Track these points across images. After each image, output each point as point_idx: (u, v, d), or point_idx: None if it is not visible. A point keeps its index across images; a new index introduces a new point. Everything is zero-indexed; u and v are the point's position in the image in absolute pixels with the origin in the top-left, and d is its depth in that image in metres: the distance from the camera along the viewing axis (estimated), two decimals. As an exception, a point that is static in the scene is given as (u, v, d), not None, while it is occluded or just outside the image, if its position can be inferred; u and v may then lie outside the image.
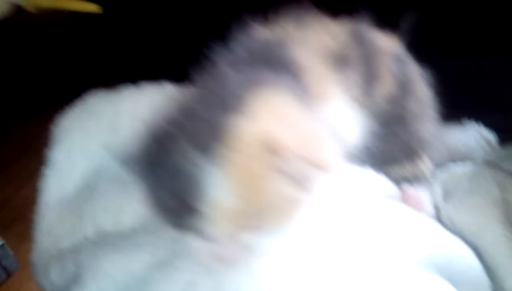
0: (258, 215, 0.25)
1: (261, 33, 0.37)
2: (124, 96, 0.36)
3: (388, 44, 0.41)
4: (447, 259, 0.36)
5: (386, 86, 0.39)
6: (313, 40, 0.37)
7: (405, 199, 0.41)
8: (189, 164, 0.23)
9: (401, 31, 0.45)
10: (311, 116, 0.29)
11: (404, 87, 0.40)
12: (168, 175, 0.25)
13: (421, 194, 0.41)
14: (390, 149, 0.40)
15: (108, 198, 0.31)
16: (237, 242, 0.26)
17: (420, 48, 0.45)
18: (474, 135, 0.52)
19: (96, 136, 0.33)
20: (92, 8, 0.82)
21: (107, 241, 0.31)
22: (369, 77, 0.38)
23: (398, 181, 0.43)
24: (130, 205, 0.31)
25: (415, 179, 0.42)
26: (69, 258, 0.32)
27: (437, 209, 0.43)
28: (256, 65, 0.31)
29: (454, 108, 0.49)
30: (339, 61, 0.37)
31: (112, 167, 0.32)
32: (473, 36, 0.55)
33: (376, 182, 0.40)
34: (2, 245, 1.07)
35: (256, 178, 0.24)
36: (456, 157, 0.50)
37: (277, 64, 0.32)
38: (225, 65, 0.31)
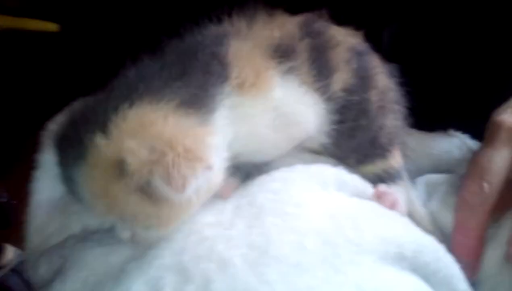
0: (127, 221, 0.30)
1: (205, 29, 0.39)
2: None
3: (344, 37, 0.42)
4: (416, 253, 0.36)
5: (343, 77, 0.40)
6: (257, 32, 0.38)
7: (379, 197, 0.42)
8: (69, 172, 0.30)
9: (384, 42, 0.50)
10: (198, 121, 0.32)
11: (364, 79, 0.41)
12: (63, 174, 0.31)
13: (395, 192, 0.42)
14: (358, 143, 0.42)
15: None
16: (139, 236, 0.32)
17: (403, 58, 0.47)
18: (458, 145, 0.54)
19: None
20: (51, 27, 0.85)
21: (91, 237, 0.35)
22: (323, 68, 0.39)
23: (372, 180, 0.44)
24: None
25: (389, 177, 0.44)
26: (56, 252, 0.36)
27: (413, 208, 0.45)
28: (169, 67, 0.33)
29: (438, 117, 0.53)
30: (282, 51, 0.38)
31: None
32: (457, 44, 0.56)
33: (345, 179, 0.40)
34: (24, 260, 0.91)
35: (111, 193, 0.28)
36: (439, 166, 0.52)
37: (200, 60, 0.34)
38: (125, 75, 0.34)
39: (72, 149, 0.29)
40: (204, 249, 0.33)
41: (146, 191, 0.28)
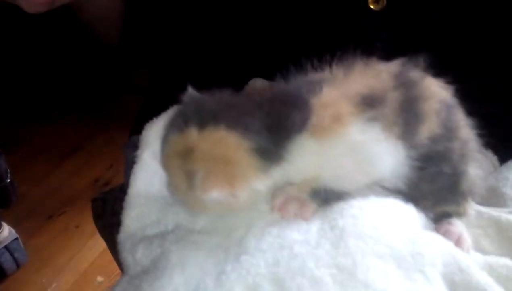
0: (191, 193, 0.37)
1: (307, 75, 0.41)
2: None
3: (437, 88, 0.41)
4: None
5: (431, 126, 0.39)
6: (350, 80, 0.39)
7: (446, 234, 0.41)
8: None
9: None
10: (260, 166, 0.36)
11: (450, 130, 0.40)
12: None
13: (461, 229, 0.41)
14: (438, 188, 0.41)
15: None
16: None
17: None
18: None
19: None
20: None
21: (189, 237, 0.38)
22: (412, 117, 0.38)
23: (439, 217, 0.43)
24: (202, 217, 0.39)
25: (457, 216, 0.43)
26: (156, 242, 0.38)
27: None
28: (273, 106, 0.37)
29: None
30: (370, 99, 0.38)
31: None
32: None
33: (414, 212, 0.41)
34: (16, 239, 1.20)
35: (175, 170, 0.36)
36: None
37: (287, 105, 0.37)
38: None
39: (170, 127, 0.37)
40: (296, 265, 0.34)
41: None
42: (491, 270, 0.37)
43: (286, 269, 0.34)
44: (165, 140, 0.37)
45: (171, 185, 0.37)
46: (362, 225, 0.36)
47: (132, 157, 0.60)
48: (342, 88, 0.39)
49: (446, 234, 0.40)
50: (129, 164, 0.62)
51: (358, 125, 0.36)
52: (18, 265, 1.18)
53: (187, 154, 0.34)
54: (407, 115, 0.38)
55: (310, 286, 0.33)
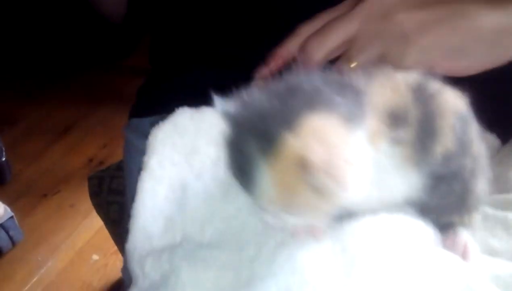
0: (292, 209, 0.33)
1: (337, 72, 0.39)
2: (205, 117, 0.44)
3: (454, 101, 0.39)
4: None
5: (445, 143, 0.37)
6: (376, 93, 0.36)
7: (452, 246, 0.40)
8: (249, 155, 0.31)
9: None
10: (349, 141, 0.32)
11: (463, 146, 0.38)
12: (236, 157, 0.33)
13: (468, 241, 0.40)
14: (447, 204, 0.40)
15: (195, 213, 0.38)
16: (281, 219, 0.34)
17: None
18: None
19: (181, 152, 0.42)
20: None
21: (198, 253, 0.37)
22: (428, 134, 0.37)
23: (444, 226, 0.41)
24: (213, 223, 0.38)
25: (462, 226, 0.42)
26: (164, 257, 0.37)
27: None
28: (324, 87, 0.34)
29: None
30: (395, 118, 0.36)
31: (194, 182, 0.39)
32: None
33: (420, 230, 0.40)
34: (12, 217, 1.21)
35: (291, 184, 0.31)
36: None
37: (352, 88, 0.35)
38: (296, 77, 0.35)
39: (257, 141, 0.31)
40: None
41: (317, 186, 0.31)
42: (498, 280, 0.36)
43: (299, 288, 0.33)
44: (265, 151, 0.32)
45: (290, 202, 0.33)
46: (374, 248, 0.35)
47: (132, 141, 0.60)
48: (370, 100, 0.37)
49: (453, 246, 0.39)
50: (127, 147, 0.63)
51: (383, 146, 0.35)
52: (13, 243, 1.18)
53: (305, 163, 0.30)
54: (423, 134, 0.36)
55: None
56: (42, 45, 1.73)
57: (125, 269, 0.55)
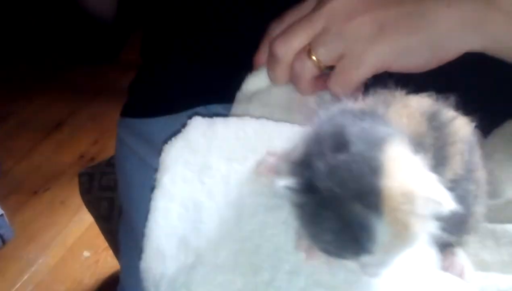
0: (405, 246, 0.36)
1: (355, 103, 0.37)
2: (218, 133, 0.44)
3: (464, 128, 0.40)
4: None
5: (455, 169, 0.39)
6: (393, 121, 0.36)
7: (449, 267, 0.40)
8: (357, 217, 0.29)
9: None
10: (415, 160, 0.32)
11: (469, 172, 0.40)
12: (331, 224, 0.30)
13: (465, 263, 0.41)
14: (449, 226, 0.39)
15: (209, 233, 0.38)
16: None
17: None
18: None
19: (193, 169, 0.42)
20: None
21: (211, 274, 0.36)
22: (440, 160, 0.38)
23: (442, 246, 0.41)
24: (227, 245, 0.37)
25: (457, 245, 0.42)
26: (180, 280, 0.37)
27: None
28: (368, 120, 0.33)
29: None
30: (415, 146, 0.37)
31: (207, 201, 0.39)
32: None
33: (425, 256, 0.39)
34: (2, 215, 1.20)
35: (406, 224, 0.29)
36: None
37: (369, 115, 0.34)
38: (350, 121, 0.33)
39: (361, 201, 0.29)
40: None
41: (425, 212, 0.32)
42: None
43: None
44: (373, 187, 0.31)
45: (405, 241, 0.32)
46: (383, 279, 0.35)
47: (125, 140, 0.60)
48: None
49: (451, 267, 0.40)
50: (121, 146, 0.62)
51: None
52: (3, 241, 1.18)
53: (411, 196, 0.30)
54: (436, 161, 0.37)
55: None
56: (31, 42, 1.72)
57: (123, 274, 0.55)
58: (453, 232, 0.39)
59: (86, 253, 1.21)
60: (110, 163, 0.76)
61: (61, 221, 1.28)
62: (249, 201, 0.39)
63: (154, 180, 0.44)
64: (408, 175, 0.30)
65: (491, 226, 0.44)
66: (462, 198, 0.37)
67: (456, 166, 0.38)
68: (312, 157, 0.31)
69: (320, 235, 0.32)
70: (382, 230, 0.30)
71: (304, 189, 0.31)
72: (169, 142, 0.44)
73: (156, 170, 0.43)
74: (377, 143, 0.31)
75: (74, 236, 1.25)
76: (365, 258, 0.31)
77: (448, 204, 0.30)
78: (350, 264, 0.33)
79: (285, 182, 0.31)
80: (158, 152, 0.46)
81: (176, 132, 0.47)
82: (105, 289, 1.18)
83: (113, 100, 0.66)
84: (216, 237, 0.38)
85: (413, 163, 0.32)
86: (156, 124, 0.55)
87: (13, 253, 1.21)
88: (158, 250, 0.40)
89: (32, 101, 1.72)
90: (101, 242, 1.08)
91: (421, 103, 0.39)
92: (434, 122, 0.38)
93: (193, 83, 0.53)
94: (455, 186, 0.37)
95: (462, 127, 0.40)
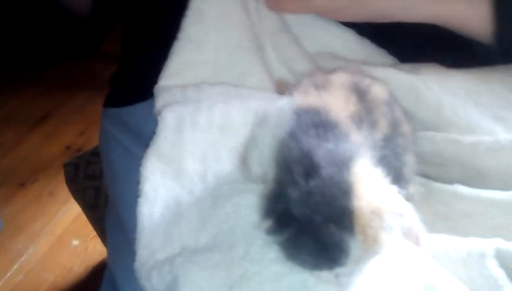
0: (374, 254, 0.33)
1: (299, 100, 0.40)
2: (185, 139, 0.46)
3: (380, 91, 0.43)
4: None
5: (383, 129, 0.42)
6: (336, 105, 0.39)
7: (407, 234, 0.41)
8: (332, 238, 0.31)
9: None
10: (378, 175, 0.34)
11: (394, 127, 0.43)
12: (308, 247, 0.32)
13: (418, 228, 0.42)
14: (388, 179, 0.45)
15: (189, 223, 0.41)
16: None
17: None
18: None
19: (170, 178, 0.45)
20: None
21: (194, 258, 0.39)
22: (371, 125, 0.41)
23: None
24: (206, 229, 0.40)
25: (408, 200, 0.42)
26: (166, 268, 0.39)
27: None
28: (323, 135, 0.35)
29: None
30: (357, 121, 0.40)
31: (187, 197, 0.43)
32: None
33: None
34: None
35: (376, 237, 0.32)
36: None
37: (329, 130, 0.36)
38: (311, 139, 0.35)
39: (336, 223, 0.31)
40: None
41: (391, 225, 0.32)
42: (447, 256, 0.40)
43: (288, 289, 0.35)
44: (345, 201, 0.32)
45: (373, 252, 0.34)
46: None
47: (109, 130, 0.62)
48: (338, 111, 0.39)
49: (407, 234, 0.41)
50: (105, 136, 0.64)
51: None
52: (-2, 226, 1.19)
53: (378, 212, 0.32)
54: (369, 124, 0.40)
55: None
56: (15, 37, 1.74)
57: (110, 257, 0.58)
58: (394, 184, 0.41)
59: (75, 242, 1.23)
60: (95, 153, 0.78)
61: (49, 211, 1.30)
62: (225, 188, 0.42)
63: (139, 168, 0.47)
64: (374, 192, 0.32)
65: (437, 184, 0.47)
66: (393, 152, 0.42)
67: (383, 126, 0.42)
68: (284, 186, 0.33)
69: (298, 255, 0.34)
70: (354, 246, 0.32)
71: (281, 222, 0.33)
72: (144, 157, 0.47)
73: (139, 157, 0.45)
74: (344, 164, 0.33)
75: (62, 225, 1.27)
76: (339, 270, 0.33)
77: (410, 215, 0.33)
78: (323, 275, 0.35)
79: (265, 226, 0.33)
80: (141, 140, 0.49)
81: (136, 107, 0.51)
82: (95, 275, 1.19)
83: (98, 92, 0.67)
84: (196, 225, 0.41)
85: (376, 178, 0.34)
86: (138, 112, 0.57)
87: (2, 244, 1.23)
88: (148, 248, 0.43)
89: (18, 94, 1.71)
90: (90, 230, 1.10)
91: (341, 79, 0.42)
92: (358, 93, 0.41)
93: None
94: (386, 144, 0.41)
95: (380, 90, 0.43)
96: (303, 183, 0.32)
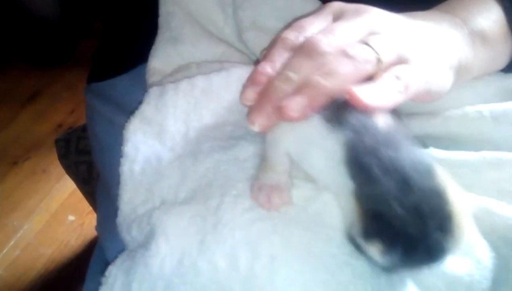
0: None
1: None
2: (167, 101, 0.47)
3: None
4: None
5: None
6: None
7: None
8: (441, 245, 0.31)
9: None
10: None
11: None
12: (420, 256, 0.31)
13: None
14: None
15: (170, 179, 0.42)
16: None
17: None
18: None
19: (152, 137, 0.46)
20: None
21: (171, 210, 0.40)
22: None
23: None
24: (185, 185, 0.42)
25: None
26: (145, 220, 0.41)
27: None
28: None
29: None
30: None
31: (168, 154, 0.44)
32: None
33: None
34: None
35: (463, 235, 0.31)
36: None
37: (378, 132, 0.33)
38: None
39: (438, 227, 0.30)
40: (268, 229, 0.37)
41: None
42: None
43: (257, 236, 0.36)
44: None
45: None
46: None
47: (93, 104, 0.63)
48: None
49: None
50: (90, 111, 0.65)
51: None
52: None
53: (467, 213, 0.33)
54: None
55: (280, 243, 0.36)
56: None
57: (99, 225, 0.59)
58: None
59: (71, 217, 1.25)
60: (85, 128, 0.79)
61: (43, 188, 1.31)
62: (206, 145, 0.43)
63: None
64: (456, 195, 0.32)
65: None
66: None
67: None
68: (379, 203, 0.31)
69: (393, 245, 0.31)
70: (454, 242, 0.32)
71: (388, 242, 0.31)
72: (128, 121, 0.48)
73: (123, 126, 0.46)
74: (427, 171, 0.32)
75: (57, 201, 1.28)
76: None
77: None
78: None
79: (374, 251, 0.31)
80: (124, 110, 0.50)
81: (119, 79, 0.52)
82: (92, 249, 1.20)
83: (87, 69, 0.68)
84: (176, 181, 0.43)
85: (450, 180, 0.33)
86: (120, 84, 0.58)
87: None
88: (130, 203, 0.44)
89: (8, 72, 1.68)
90: (85, 206, 1.11)
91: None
92: None
93: (149, 37, 0.55)
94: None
95: None
96: (403, 197, 0.30)
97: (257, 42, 0.51)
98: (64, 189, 1.29)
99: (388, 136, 0.33)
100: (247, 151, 0.42)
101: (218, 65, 0.51)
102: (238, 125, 0.45)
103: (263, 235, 0.36)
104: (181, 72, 0.51)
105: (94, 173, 0.75)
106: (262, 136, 0.40)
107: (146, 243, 0.40)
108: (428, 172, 0.31)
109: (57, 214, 1.26)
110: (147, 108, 0.48)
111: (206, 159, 0.42)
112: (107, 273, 0.40)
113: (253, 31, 0.51)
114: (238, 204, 0.39)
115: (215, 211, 0.39)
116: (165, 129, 0.46)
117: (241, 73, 0.47)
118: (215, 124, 0.45)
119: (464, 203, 0.32)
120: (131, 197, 0.45)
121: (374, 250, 0.31)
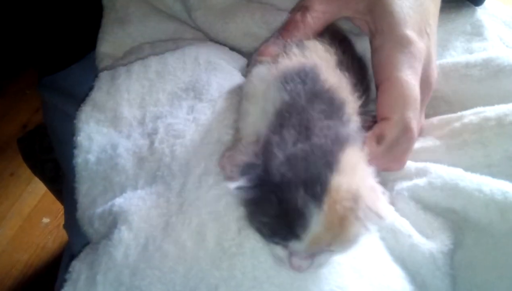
0: (336, 243, 0.32)
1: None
2: (121, 86, 0.46)
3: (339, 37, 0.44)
4: None
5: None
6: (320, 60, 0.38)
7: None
8: (300, 203, 0.30)
9: None
10: (368, 170, 0.34)
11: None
12: (271, 207, 0.31)
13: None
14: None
15: (127, 169, 0.41)
16: (312, 259, 0.33)
17: None
18: None
19: (105, 123, 0.44)
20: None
21: (133, 196, 0.40)
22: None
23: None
24: (142, 176, 0.41)
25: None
26: (106, 211, 0.40)
27: None
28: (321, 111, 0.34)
29: None
30: (343, 72, 0.40)
31: (124, 141, 0.43)
32: None
33: None
34: None
35: (342, 220, 0.31)
36: None
37: (331, 105, 0.35)
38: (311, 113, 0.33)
39: (307, 188, 0.30)
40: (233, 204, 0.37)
41: (362, 217, 0.32)
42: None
43: (225, 210, 0.36)
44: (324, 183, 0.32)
45: (336, 237, 0.33)
46: None
47: (48, 98, 0.61)
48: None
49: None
50: (46, 106, 0.64)
51: None
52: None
53: (356, 198, 0.31)
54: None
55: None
56: None
57: (66, 223, 0.58)
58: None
59: (45, 220, 1.21)
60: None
61: (13, 193, 1.26)
62: (162, 130, 0.42)
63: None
64: (359, 179, 0.32)
65: None
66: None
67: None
68: (272, 146, 0.32)
69: (257, 215, 0.33)
70: (317, 219, 0.31)
71: (255, 180, 0.32)
72: (79, 109, 0.46)
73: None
74: (339, 142, 0.32)
75: (29, 205, 1.24)
76: (294, 245, 0.32)
77: (389, 218, 0.32)
78: (278, 251, 0.34)
79: (236, 184, 0.32)
80: (77, 100, 0.47)
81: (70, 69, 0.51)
82: None
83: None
84: (133, 168, 0.42)
85: (366, 172, 0.33)
86: (71, 74, 0.57)
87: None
88: (88, 196, 0.43)
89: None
90: (60, 207, 1.09)
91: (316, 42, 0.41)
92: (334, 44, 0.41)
93: (95, 21, 0.53)
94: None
95: (341, 38, 0.44)
96: (291, 144, 0.32)
97: (206, 21, 0.50)
98: (36, 191, 1.25)
99: (322, 98, 0.34)
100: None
101: (172, 44, 0.49)
102: None
103: (230, 208, 0.36)
104: (134, 54, 0.49)
105: (61, 170, 0.72)
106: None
107: (108, 234, 0.39)
108: (337, 142, 0.32)
109: (31, 218, 1.21)
110: (99, 95, 0.46)
111: (163, 143, 0.41)
112: (70, 268, 0.39)
113: (201, 10, 0.50)
114: (202, 181, 0.38)
115: (179, 192, 0.38)
116: (119, 116, 0.45)
117: (197, 52, 0.46)
118: (172, 106, 0.43)
119: (356, 189, 0.31)
120: (89, 188, 0.43)
121: (236, 182, 0.32)
